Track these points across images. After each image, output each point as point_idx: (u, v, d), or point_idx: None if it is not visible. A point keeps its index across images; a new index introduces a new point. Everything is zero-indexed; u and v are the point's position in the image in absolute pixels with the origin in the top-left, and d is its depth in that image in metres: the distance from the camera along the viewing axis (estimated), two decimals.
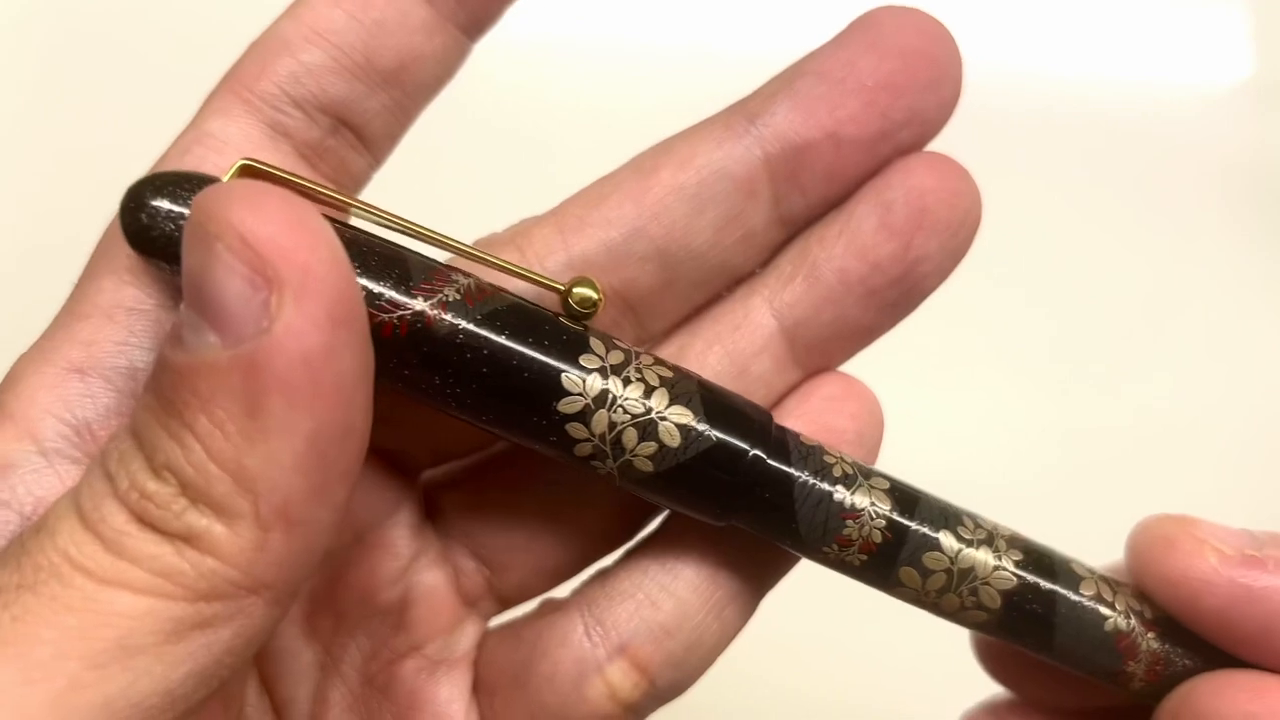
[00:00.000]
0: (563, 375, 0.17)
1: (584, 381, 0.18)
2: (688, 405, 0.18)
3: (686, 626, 0.20)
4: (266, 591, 0.15)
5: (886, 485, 0.19)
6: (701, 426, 0.18)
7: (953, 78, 0.20)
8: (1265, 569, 0.18)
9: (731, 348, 0.20)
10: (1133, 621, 0.19)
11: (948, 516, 0.19)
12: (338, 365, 0.14)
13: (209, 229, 0.14)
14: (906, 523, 0.18)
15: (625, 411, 0.18)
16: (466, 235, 0.19)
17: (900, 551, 0.18)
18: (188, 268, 0.14)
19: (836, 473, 0.19)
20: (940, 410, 0.43)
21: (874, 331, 0.21)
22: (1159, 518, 0.19)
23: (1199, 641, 0.19)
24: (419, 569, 0.21)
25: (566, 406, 0.17)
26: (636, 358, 0.18)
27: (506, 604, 0.22)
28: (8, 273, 0.40)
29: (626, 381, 0.18)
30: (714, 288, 0.21)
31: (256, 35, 0.19)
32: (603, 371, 0.18)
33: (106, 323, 0.17)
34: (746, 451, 0.18)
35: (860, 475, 0.19)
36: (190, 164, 0.18)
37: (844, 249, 0.20)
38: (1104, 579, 0.19)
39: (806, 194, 0.20)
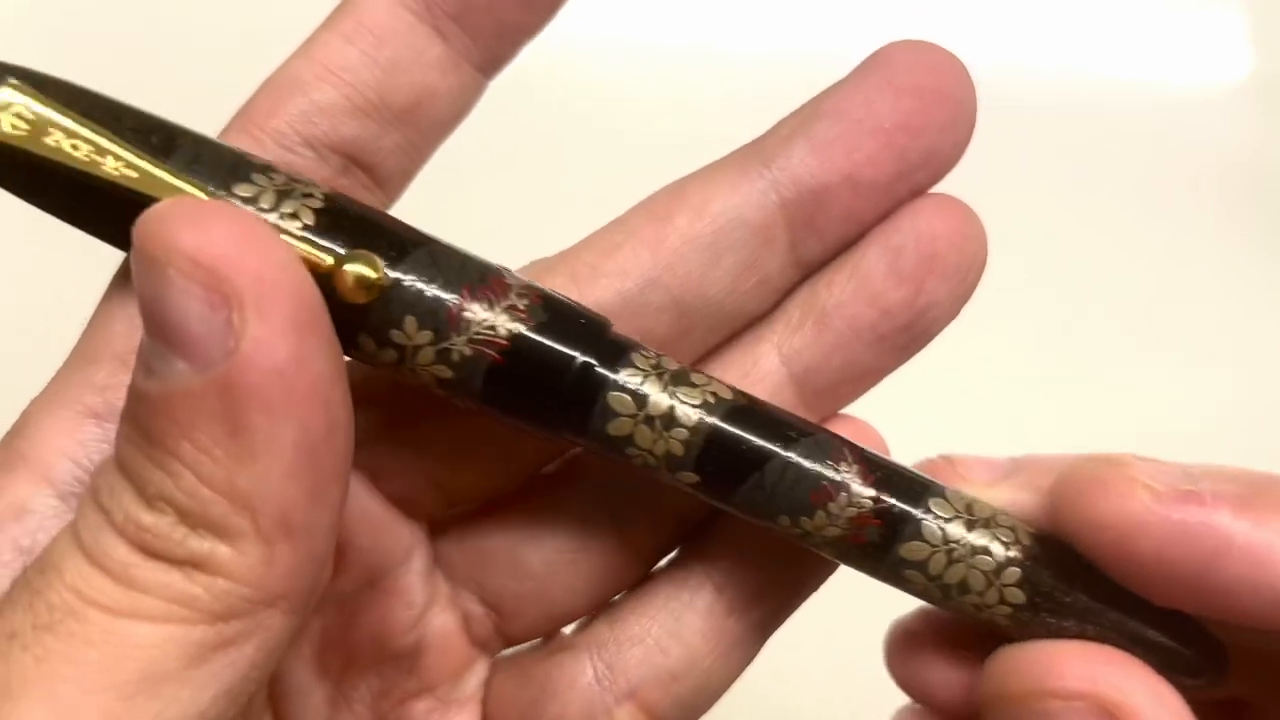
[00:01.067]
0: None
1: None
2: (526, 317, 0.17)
3: (694, 671, 0.20)
4: (282, 602, 0.15)
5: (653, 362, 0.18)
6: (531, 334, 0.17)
7: (969, 115, 0.19)
8: (1203, 504, 0.17)
9: None
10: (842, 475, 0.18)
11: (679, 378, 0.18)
12: (311, 370, 0.14)
13: (156, 255, 0.14)
14: (606, 372, 0.18)
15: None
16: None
17: (598, 394, 0.18)
18: (142, 297, 0.14)
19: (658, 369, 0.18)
20: (935, 410, 0.43)
21: (882, 373, 0.20)
22: (1085, 458, 0.18)
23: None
24: (431, 615, 0.21)
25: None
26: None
27: (515, 643, 0.22)
28: (11, 309, 0.39)
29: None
30: (727, 332, 0.20)
31: (270, 72, 0.18)
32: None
33: (121, 367, 0.17)
34: (574, 359, 0.17)
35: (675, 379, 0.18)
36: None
37: (853, 295, 0.20)
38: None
39: (823, 238, 0.20)
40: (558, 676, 0.20)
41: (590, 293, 0.19)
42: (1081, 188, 0.46)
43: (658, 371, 0.18)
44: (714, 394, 0.18)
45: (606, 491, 0.20)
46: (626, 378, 0.18)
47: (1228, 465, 0.18)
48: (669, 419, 0.18)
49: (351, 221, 0.17)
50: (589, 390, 0.18)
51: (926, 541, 0.18)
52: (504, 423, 0.18)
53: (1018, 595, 0.18)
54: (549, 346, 0.17)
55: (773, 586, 0.20)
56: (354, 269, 0.16)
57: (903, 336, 0.20)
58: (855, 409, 0.21)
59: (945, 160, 0.20)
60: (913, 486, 0.18)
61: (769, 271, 0.20)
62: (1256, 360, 0.45)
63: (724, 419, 0.18)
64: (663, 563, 0.21)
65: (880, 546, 0.18)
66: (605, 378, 0.18)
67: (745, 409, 0.18)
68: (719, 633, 0.20)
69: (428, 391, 0.18)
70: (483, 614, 0.21)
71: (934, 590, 0.18)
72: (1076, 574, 0.18)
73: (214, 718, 0.15)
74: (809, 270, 0.20)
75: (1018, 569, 0.18)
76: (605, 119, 0.44)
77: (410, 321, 0.17)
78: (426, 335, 0.17)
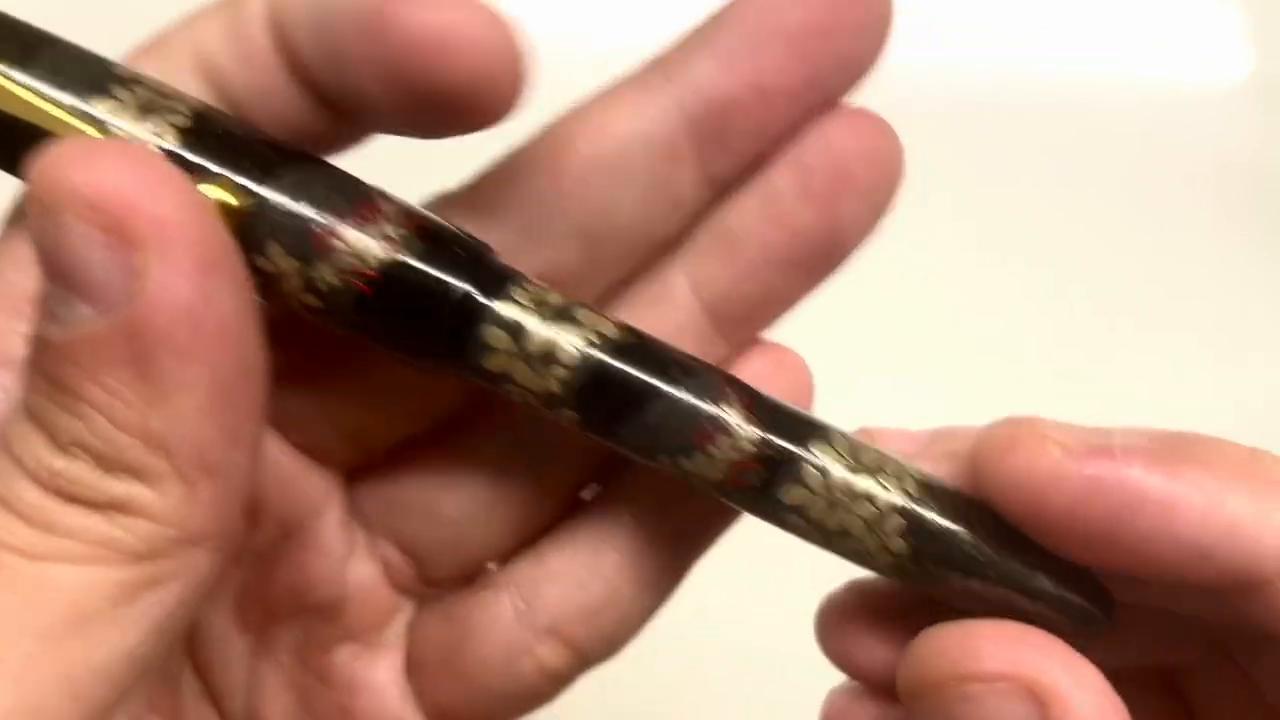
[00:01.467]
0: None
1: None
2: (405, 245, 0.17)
3: (615, 604, 0.20)
4: (207, 541, 0.15)
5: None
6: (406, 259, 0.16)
7: (882, 16, 0.18)
8: (1113, 458, 0.17)
9: (651, 327, 0.19)
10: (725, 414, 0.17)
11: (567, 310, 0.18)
12: (219, 309, 0.14)
13: (53, 201, 0.14)
14: (484, 303, 0.17)
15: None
16: None
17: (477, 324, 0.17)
18: (40, 244, 0.14)
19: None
20: (934, 409, 0.43)
21: (797, 298, 0.20)
22: (1000, 421, 0.18)
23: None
24: (351, 566, 0.20)
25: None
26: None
27: (438, 588, 0.21)
28: None
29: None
30: (640, 261, 0.20)
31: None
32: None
33: (14, 315, 0.17)
34: (454, 288, 0.17)
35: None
36: None
37: (763, 219, 0.19)
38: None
39: (734, 154, 0.19)
40: (478, 616, 0.20)
41: (490, 225, 0.18)
42: (1081, 187, 0.46)
43: (539, 305, 0.17)
44: (598, 331, 0.17)
45: (522, 433, 0.20)
46: (504, 311, 0.17)
47: (1141, 425, 0.18)
48: (548, 356, 0.17)
49: (218, 140, 0.16)
50: (465, 324, 0.17)
51: (806, 486, 0.18)
52: (386, 353, 0.18)
53: (901, 545, 0.18)
54: (421, 277, 0.17)
55: (692, 519, 0.20)
56: (211, 193, 0.16)
57: (816, 259, 0.19)
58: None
59: (859, 65, 0.19)
60: (798, 429, 0.18)
61: (680, 193, 0.19)
62: (1256, 360, 0.45)
63: (607, 357, 0.17)
64: (585, 498, 0.21)
65: (760, 490, 0.18)
66: (482, 311, 0.17)
67: (629, 346, 0.18)
68: (639, 567, 0.20)
69: (322, 331, 0.17)
70: (402, 561, 0.21)
71: (815, 535, 0.18)
72: (964, 523, 0.18)
73: (142, 657, 0.14)
74: (722, 190, 0.19)
75: (901, 517, 0.18)
76: None
77: (275, 248, 0.16)
78: (292, 263, 0.16)
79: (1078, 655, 0.17)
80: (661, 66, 0.19)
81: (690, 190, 0.19)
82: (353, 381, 0.19)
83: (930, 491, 0.18)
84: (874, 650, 0.20)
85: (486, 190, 0.19)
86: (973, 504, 0.18)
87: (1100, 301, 0.45)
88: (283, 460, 0.19)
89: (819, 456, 0.18)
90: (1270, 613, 0.17)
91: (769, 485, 0.18)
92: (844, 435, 0.18)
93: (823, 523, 0.18)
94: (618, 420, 0.17)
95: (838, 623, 0.21)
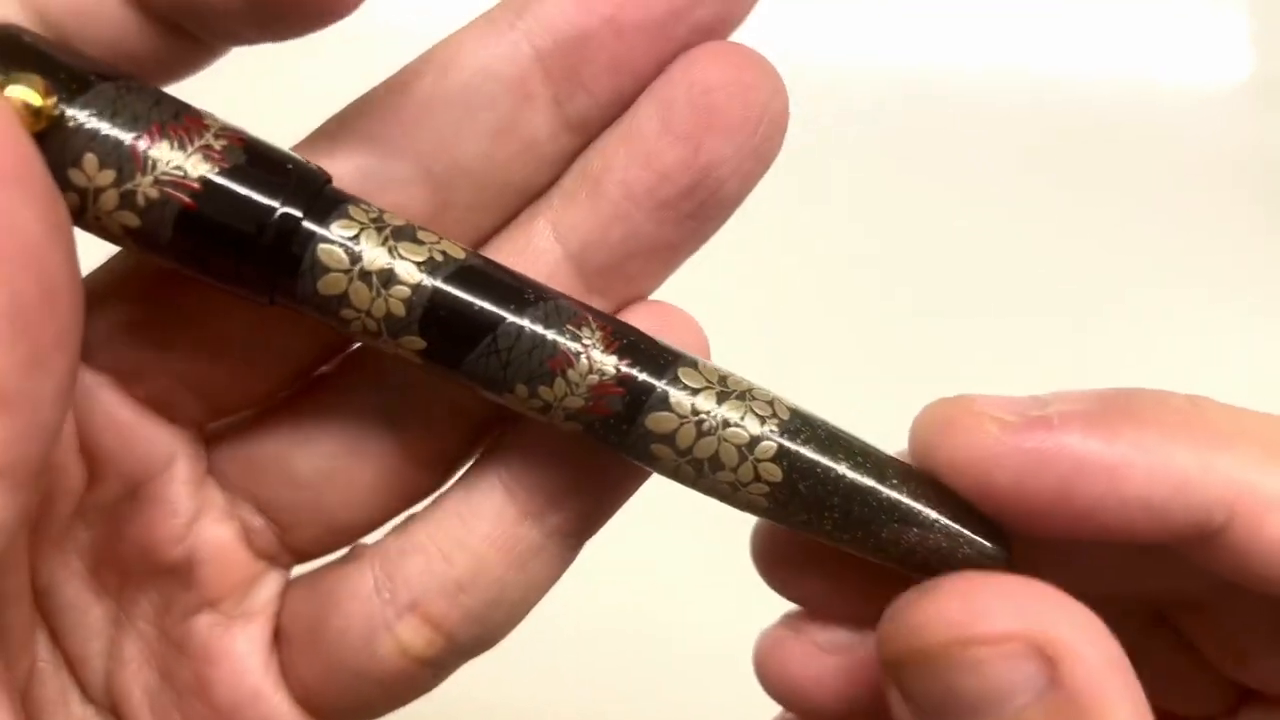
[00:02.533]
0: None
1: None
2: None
3: (483, 582, 0.19)
4: (4, 478, 0.14)
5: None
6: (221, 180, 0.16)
7: None
8: (1051, 428, 0.16)
9: None
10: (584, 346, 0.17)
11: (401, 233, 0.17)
12: (20, 229, 0.13)
13: None
14: (314, 226, 0.16)
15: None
16: None
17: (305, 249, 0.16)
18: None
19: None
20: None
21: (677, 248, 0.18)
22: (935, 402, 0.18)
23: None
24: (203, 527, 0.19)
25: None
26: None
27: (308, 557, 0.20)
28: None
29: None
30: (501, 211, 0.19)
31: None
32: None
33: None
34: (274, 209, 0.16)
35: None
36: None
37: (626, 159, 0.18)
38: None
39: (593, 92, 0.18)
40: (341, 588, 0.19)
41: (330, 166, 0.17)
42: (1082, 187, 0.46)
43: (377, 225, 0.16)
44: (443, 251, 0.17)
45: (380, 394, 0.19)
46: (339, 230, 0.16)
47: (1079, 389, 0.17)
48: (388, 275, 0.16)
49: (27, 48, 0.15)
50: (295, 244, 0.16)
51: (674, 412, 0.17)
52: (208, 283, 0.17)
53: (774, 471, 0.17)
54: (245, 192, 0.16)
55: (572, 490, 0.19)
56: (17, 92, 0.15)
57: (687, 203, 0.18)
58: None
59: None
60: (661, 356, 0.17)
61: (534, 134, 0.18)
62: (1256, 360, 0.45)
63: (452, 277, 0.16)
64: (460, 472, 0.20)
65: (624, 418, 0.17)
66: (314, 231, 0.16)
67: (477, 269, 0.17)
68: (511, 540, 0.19)
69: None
70: (263, 525, 0.20)
71: (685, 468, 0.17)
72: (840, 451, 0.17)
73: None
74: (586, 134, 0.18)
75: (773, 443, 0.17)
76: None
77: (90, 160, 0.15)
78: (109, 175, 0.15)
79: (1083, 607, 0.16)
80: (513, 3, 0.18)
81: (548, 132, 0.18)
82: (195, 334, 0.18)
83: (805, 419, 0.17)
84: (814, 572, 0.19)
85: (330, 132, 0.18)
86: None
87: (1100, 301, 0.45)
88: (124, 414, 0.19)
89: (686, 381, 0.17)
90: (1223, 561, 0.16)
91: (633, 412, 0.17)
92: (710, 364, 0.18)
93: (692, 451, 0.17)
94: (468, 346, 0.17)
95: (773, 545, 0.20)
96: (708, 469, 0.17)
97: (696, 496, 0.18)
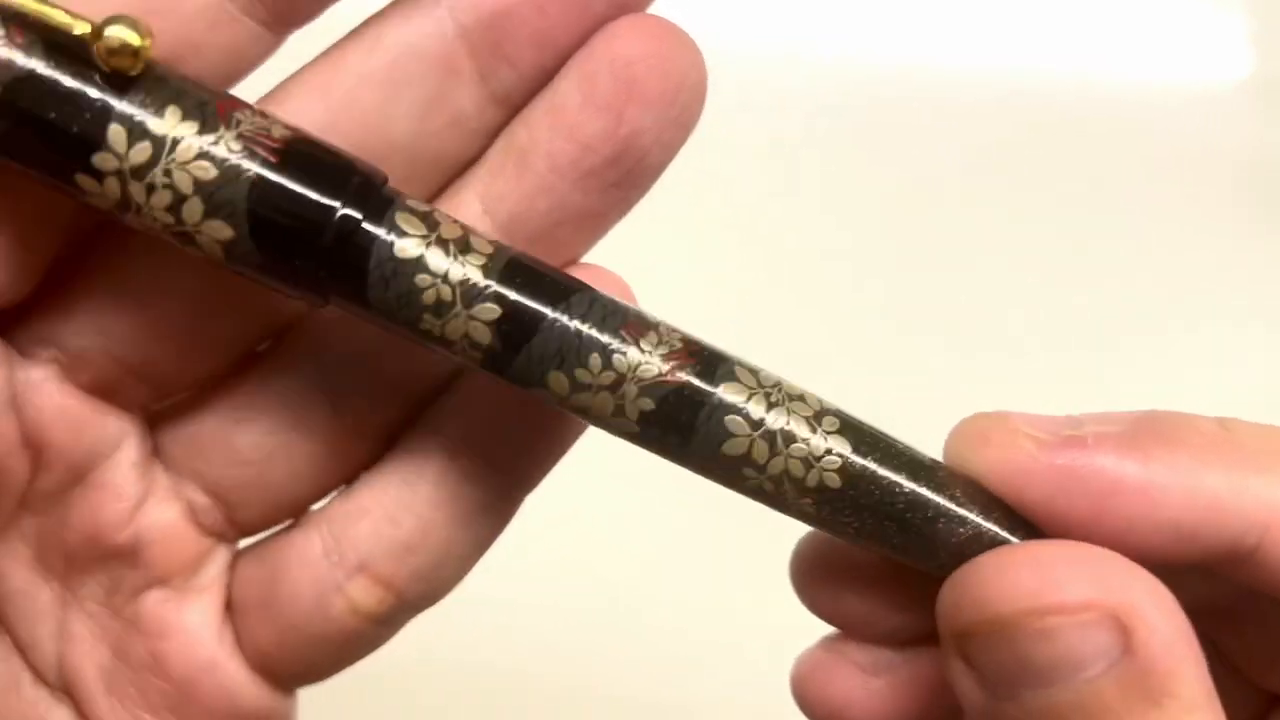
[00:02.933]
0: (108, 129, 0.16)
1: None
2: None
3: (430, 542, 0.19)
4: None
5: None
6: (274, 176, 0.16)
7: None
8: (1085, 447, 0.17)
9: None
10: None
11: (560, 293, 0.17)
12: None
13: None
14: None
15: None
16: None
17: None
18: None
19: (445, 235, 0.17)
20: (938, 405, 0.43)
21: (604, 216, 0.19)
22: (971, 417, 0.18)
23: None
24: (149, 508, 0.20)
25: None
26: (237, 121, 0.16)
27: (255, 532, 0.20)
28: None
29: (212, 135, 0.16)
30: (433, 184, 0.19)
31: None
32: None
33: None
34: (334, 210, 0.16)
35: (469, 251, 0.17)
36: None
37: (550, 130, 0.18)
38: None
39: (517, 66, 0.18)
40: (289, 554, 0.20)
41: None
42: (1081, 187, 0.47)
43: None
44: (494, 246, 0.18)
45: (320, 368, 0.19)
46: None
47: (1114, 410, 0.17)
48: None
49: None
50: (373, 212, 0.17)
51: (741, 382, 0.17)
52: (254, 274, 0.17)
53: (833, 478, 0.17)
54: (325, 157, 0.17)
55: (511, 449, 0.19)
56: (116, 32, 0.15)
57: (611, 172, 0.18)
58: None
59: None
60: (713, 353, 0.18)
61: (461, 109, 0.18)
62: (1256, 360, 0.45)
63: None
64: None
65: (698, 383, 0.17)
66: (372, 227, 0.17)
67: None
68: (455, 500, 0.19)
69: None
70: (209, 504, 0.20)
71: (760, 444, 0.17)
72: (890, 458, 0.18)
73: None
74: (512, 107, 0.19)
75: (835, 456, 0.17)
76: None
77: (173, 109, 0.16)
78: (190, 126, 0.16)
79: (1153, 578, 0.16)
80: None
81: (475, 107, 0.18)
82: (136, 317, 0.18)
83: (871, 436, 0.18)
84: (853, 593, 0.19)
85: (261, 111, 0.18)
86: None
87: (1100, 301, 0.46)
88: (70, 404, 0.19)
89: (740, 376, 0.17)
90: (1255, 578, 0.17)
91: (704, 376, 0.17)
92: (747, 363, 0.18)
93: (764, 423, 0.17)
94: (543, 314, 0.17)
95: (811, 568, 0.20)
96: (781, 443, 0.17)
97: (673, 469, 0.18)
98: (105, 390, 0.19)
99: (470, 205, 0.19)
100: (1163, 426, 0.17)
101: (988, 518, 0.17)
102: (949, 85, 0.48)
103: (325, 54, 0.18)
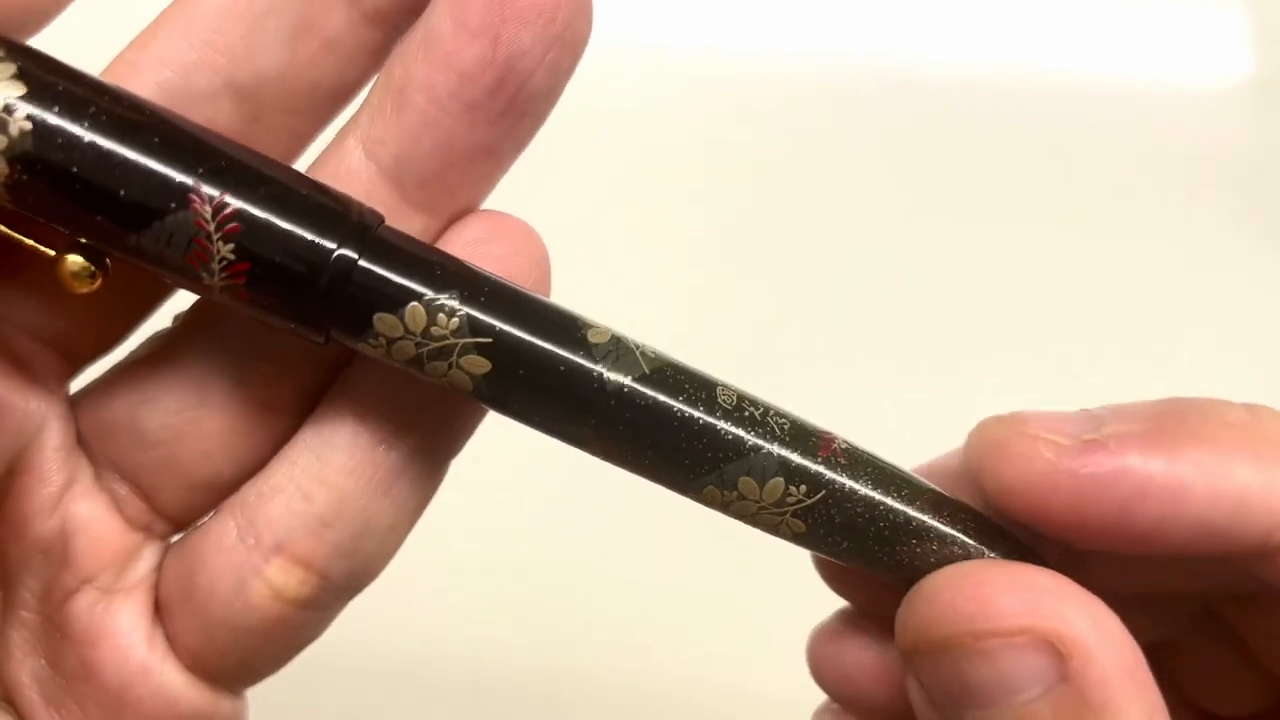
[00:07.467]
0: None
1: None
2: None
3: (347, 513, 0.18)
4: None
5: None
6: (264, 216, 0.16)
7: None
8: (1107, 450, 0.16)
9: None
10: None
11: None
12: None
13: None
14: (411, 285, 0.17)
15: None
16: None
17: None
18: None
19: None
20: (931, 413, 0.43)
21: (496, 151, 0.18)
22: (988, 423, 0.17)
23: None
24: (73, 497, 0.19)
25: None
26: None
27: (184, 523, 0.20)
28: None
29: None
30: (316, 114, 0.18)
31: None
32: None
33: None
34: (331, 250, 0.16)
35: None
36: None
37: (425, 63, 0.17)
38: None
39: None
40: (205, 543, 0.19)
41: (135, 88, 0.17)
42: (1080, 187, 0.46)
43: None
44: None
45: (224, 342, 0.19)
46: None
47: (1131, 403, 0.17)
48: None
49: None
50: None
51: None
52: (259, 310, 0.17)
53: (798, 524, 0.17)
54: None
55: (425, 410, 0.19)
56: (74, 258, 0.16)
57: (495, 101, 0.17)
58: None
59: None
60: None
61: (333, 31, 0.18)
62: (1255, 360, 0.45)
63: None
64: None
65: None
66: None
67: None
68: (369, 467, 0.18)
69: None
70: (128, 492, 0.19)
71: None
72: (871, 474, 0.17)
73: None
74: (389, 25, 0.18)
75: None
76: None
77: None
78: None
79: (1098, 602, 0.16)
80: None
81: (345, 25, 0.18)
82: (48, 291, 0.18)
83: (859, 458, 0.17)
84: (862, 668, 0.19)
85: (129, 59, 0.18)
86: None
87: (1099, 301, 0.45)
88: None
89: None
90: None
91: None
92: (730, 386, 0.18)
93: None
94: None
95: (829, 647, 0.20)
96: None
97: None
98: (24, 366, 0.18)
99: (352, 152, 0.18)
100: (1188, 420, 0.16)
101: (954, 528, 0.17)
102: (948, 84, 0.48)
103: None
